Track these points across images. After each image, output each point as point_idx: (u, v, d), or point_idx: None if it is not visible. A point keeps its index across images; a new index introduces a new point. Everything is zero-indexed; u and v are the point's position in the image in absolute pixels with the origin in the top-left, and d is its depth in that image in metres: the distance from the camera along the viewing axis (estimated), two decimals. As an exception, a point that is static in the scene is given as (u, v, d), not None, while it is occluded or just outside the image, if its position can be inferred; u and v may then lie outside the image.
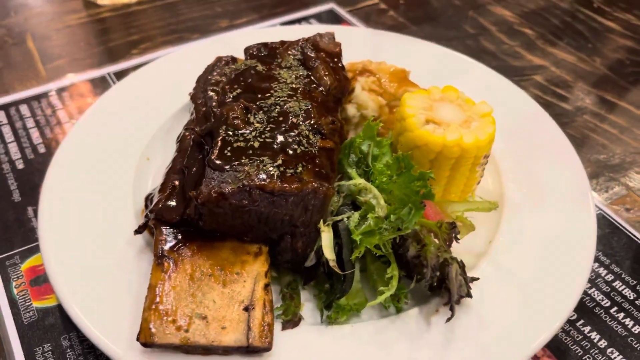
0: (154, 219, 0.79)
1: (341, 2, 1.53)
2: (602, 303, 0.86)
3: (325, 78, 0.92)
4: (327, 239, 0.77)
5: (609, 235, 0.95)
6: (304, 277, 0.83)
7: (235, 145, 0.80)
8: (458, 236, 0.78)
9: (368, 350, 0.73)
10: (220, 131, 0.82)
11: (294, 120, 0.83)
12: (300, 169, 0.77)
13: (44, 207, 0.85)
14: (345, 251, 0.77)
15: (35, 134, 1.11)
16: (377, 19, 1.48)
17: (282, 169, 0.76)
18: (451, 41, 1.40)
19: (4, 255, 0.90)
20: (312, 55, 0.96)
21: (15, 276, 0.87)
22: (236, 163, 0.77)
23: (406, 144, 0.85)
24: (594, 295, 0.87)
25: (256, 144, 0.80)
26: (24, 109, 1.16)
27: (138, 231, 0.81)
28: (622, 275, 0.90)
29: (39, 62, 1.29)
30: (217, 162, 0.78)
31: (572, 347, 0.81)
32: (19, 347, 0.78)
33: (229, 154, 0.79)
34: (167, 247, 0.77)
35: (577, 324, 0.83)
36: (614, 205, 1.01)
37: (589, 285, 0.88)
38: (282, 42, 1.00)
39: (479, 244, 0.86)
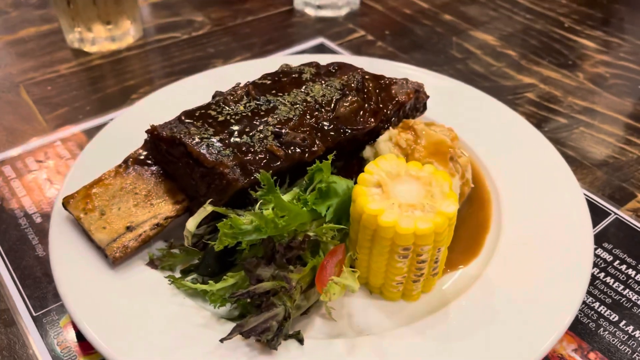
0: (148, 132, 0.90)
1: (329, 37, 1.57)
2: (639, 302, 0.90)
3: (341, 109, 0.94)
4: (200, 214, 0.82)
5: (630, 237, 1.00)
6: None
7: (209, 112, 0.92)
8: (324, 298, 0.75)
9: None
10: (215, 97, 0.95)
11: (270, 119, 0.90)
12: (228, 152, 0.84)
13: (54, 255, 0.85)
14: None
15: (47, 186, 1.08)
16: (367, 50, 1.52)
17: (216, 145, 0.85)
18: (442, 66, 1.45)
19: (39, 312, 0.86)
20: (363, 88, 0.97)
21: (55, 333, 0.83)
22: (195, 123, 0.89)
23: (352, 200, 0.82)
24: (630, 295, 0.91)
25: (221, 119, 0.90)
26: (31, 162, 1.13)
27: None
28: (651, 274, 0.94)
29: (37, 114, 1.26)
30: (184, 115, 0.91)
31: (620, 347, 0.83)
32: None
33: (198, 113, 0.91)
34: (135, 157, 0.93)
35: (620, 325, 0.86)
36: (628, 209, 1.06)
37: (623, 286, 0.92)
38: (353, 68, 1.03)
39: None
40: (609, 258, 0.96)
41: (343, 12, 1.67)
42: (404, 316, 0.83)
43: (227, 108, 0.93)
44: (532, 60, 1.49)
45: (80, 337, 0.83)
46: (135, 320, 0.77)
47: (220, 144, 0.86)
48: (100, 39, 1.47)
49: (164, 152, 0.88)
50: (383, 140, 0.96)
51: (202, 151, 0.84)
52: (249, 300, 0.76)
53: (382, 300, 0.85)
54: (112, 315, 0.77)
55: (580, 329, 0.85)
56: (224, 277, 0.80)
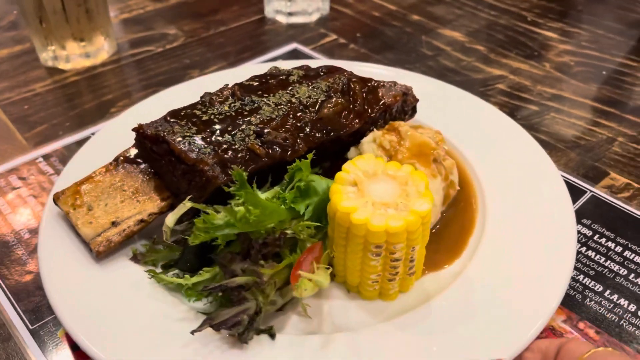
0: (135, 130, 0.93)
1: (302, 42, 1.60)
2: (620, 272, 0.94)
3: (325, 110, 0.96)
4: (179, 209, 0.83)
5: (607, 212, 1.04)
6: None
7: (194, 111, 0.95)
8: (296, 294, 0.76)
9: None
10: (201, 98, 0.98)
11: (252, 119, 0.93)
12: (209, 150, 0.87)
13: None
14: None
15: (32, 202, 1.07)
16: (341, 53, 1.56)
17: (198, 143, 0.88)
18: (414, 64, 1.49)
19: (36, 325, 0.85)
20: (349, 90, 0.99)
21: (54, 344, 0.83)
22: (180, 122, 0.92)
23: (329, 198, 0.82)
24: (611, 266, 0.94)
25: (205, 118, 0.93)
26: (14, 180, 1.13)
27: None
28: (629, 245, 0.98)
29: (16, 133, 1.26)
30: (170, 114, 0.94)
31: (607, 315, 0.87)
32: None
33: (183, 113, 0.94)
34: (125, 156, 0.96)
35: (605, 294, 0.90)
36: (602, 187, 1.10)
37: (604, 258, 0.96)
38: (342, 71, 1.06)
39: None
40: (589, 233, 1.00)
41: (314, 18, 1.71)
42: (382, 314, 0.83)
43: (212, 108, 0.95)
44: (499, 53, 1.55)
45: (76, 346, 0.82)
46: (113, 312, 0.80)
47: (202, 142, 0.88)
48: (75, 55, 1.47)
49: (150, 149, 0.91)
50: (367, 141, 0.97)
51: (183, 149, 0.86)
52: (221, 293, 0.77)
53: (360, 300, 0.85)
54: (91, 306, 0.80)
55: (568, 300, 0.89)
56: (200, 271, 0.81)
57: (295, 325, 0.81)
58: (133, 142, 0.96)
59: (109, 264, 0.87)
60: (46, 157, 1.18)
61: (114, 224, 0.88)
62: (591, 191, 1.09)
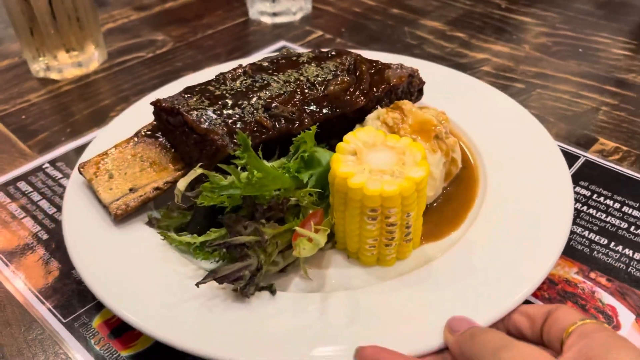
0: (153, 104, 0.99)
1: (290, 39, 1.64)
2: (622, 226, 0.99)
3: (331, 87, 1.01)
4: (190, 175, 0.88)
5: (602, 174, 1.10)
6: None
7: (208, 87, 1.00)
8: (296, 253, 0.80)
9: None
10: (215, 77, 1.04)
11: (261, 94, 0.98)
12: (220, 121, 0.92)
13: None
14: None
15: (45, 205, 1.08)
16: (329, 47, 1.59)
17: (210, 115, 0.93)
18: (401, 53, 1.54)
19: (69, 319, 0.86)
20: (356, 70, 1.03)
21: (91, 334, 0.84)
22: (194, 96, 0.97)
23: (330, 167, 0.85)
24: (612, 221, 1.00)
25: (217, 93, 0.99)
26: (23, 185, 1.13)
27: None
28: (626, 202, 1.04)
29: (18, 142, 1.26)
30: (186, 90, 1.00)
31: (615, 265, 0.92)
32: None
33: (197, 89, 1.00)
34: (146, 130, 1.03)
35: (611, 246, 0.96)
36: (594, 151, 1.17)
37: (605, 214, 1.01)
38: (348, 54, 1.10)
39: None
40: (588, 193, 1.06)
41: (298, 17, 1.75)
42: (382, 276, 0.87)
43: (225, 85, 1.01)
44: (480, 39, 1.61)
45: (117, 333, 0.84)
46: (130, 271, 0.86)
47: (213, 115, 0.94)
48: (66, 65, 1.47)
49: (166, 121, 0.97)
50: (371, 118, 1.00)
51: (195, 120, 0.92)
52: (225, 249, 0.82)
53: (360, 265, 0.89)
54: (110, 265, 0.86)
55: (577, 254, 0.94)
56: (207, 232, 0.86)
57: (297, 285, 0.86)
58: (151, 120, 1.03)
59: (127, 228, 0.93)
60: (52, 162, 1.19)
61: (131, 190, 0.95)
62: (584, 156, 1.15)
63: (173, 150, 1.01)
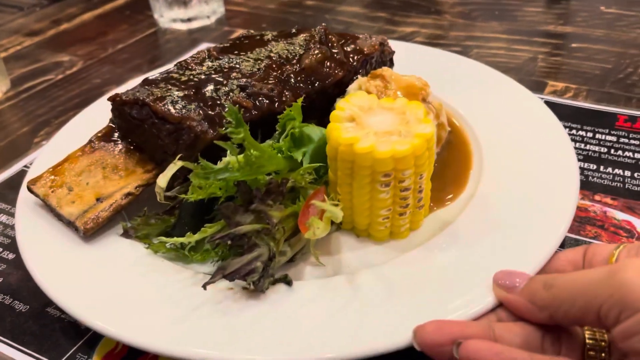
0: (110, 100, 0.87)
1: (212, 41, 1.55)
2: (602, 151, 1.02)
3: (307, 60, 0.94)
4: (170, 169, 0.78)
5: (564, 111, 1.14)
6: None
7: (171, 75, 0.90)
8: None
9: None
10: (174, 65, 0.93)
11: (234, 74, 0.89)
12: (193, 106, 0.82)
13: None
14: None
15: (-13, 247, 0.90)
16: (255, 43, 1.53)
17: (180, 101, 0.83)
18: (331, 38, 1.52)
19: (64, 358, 0.71)
20: (327, 42, 0.97)
21: (95, 372, 0.70)
22: (159, 85, 0.86)
23: (327, 139, 0.79)
24: (592, 148, 1.03)
25: (183, 79, 0.88)
26: (-49, 231, 0.94)
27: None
28: (595, 130, 1.07)
29: None
30: (146, 81, 0.89)
31: (612, 184, 0.94)
32: None
33: (160, 77, 0.89)
34: (100, 136, 0.91)
35: (601, 169, 0.97)
36: (548, 93, 1.20)
37: (584, 144, 1.04)
38: (317, 29, 1.03)
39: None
40: (560, 129, 1.08)
41: (212, 19, 1.66)
42: (400, 250, 0.79)
43: (190, 70, 0.91)
44: (403, 15, 1.63)
45: (128, 362, 0.70)
46: (119, 291, 0.73)
47: (185, 101, 0.84)
48: (-35, 98, 1.28)
49: (129, 117, 0.86)
50: (353, 89, 0.95)
51: (166, 108, 0.82)
52: (229, 242, 0.71)
53: (373, 243, 0.82)
54: (94, 290, 0.73)
55: (576, 182, 0.95)
56: (202, 228, 0.75)
57: (310, 274, 0.77)
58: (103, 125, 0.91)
59: (100, 244, 0.81)
60: (-20, 200, 1.01)
61: (99, 200, 0.83)
62: (542, 97, 1.17)
63: (138, 151, 0.89)
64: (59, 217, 0.82)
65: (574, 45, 1.39)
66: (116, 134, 0.91)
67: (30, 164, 1.09)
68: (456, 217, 0.82)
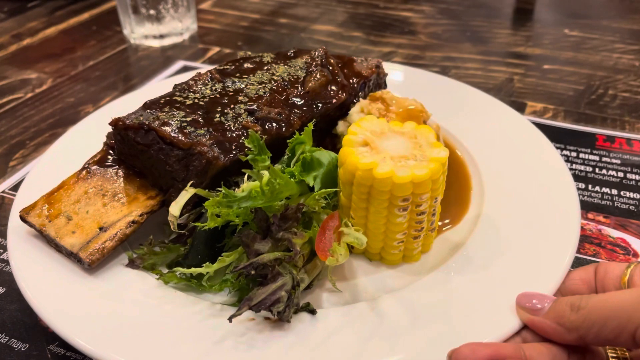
0: (112, 124, 0.83)
1: (188, 59, 1.52)
2: (587, 170, 1.06)
3: (310, 83, 0.94)
4: (182, 197, 0.75)
5: (547, 132, 1.17)
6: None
7: (174, 98, 0.87)
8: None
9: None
10: (174, 88, 0.90)
11: (240, 97, 0.88)
12: (203, 132, 0.80)
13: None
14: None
15: (-29, 281, 0.84)
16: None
17: (188, 126, 0.81)
18: (310, 57, 1.52)
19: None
20: (327, 64, 0.96)
21: (113, 412, 0.66)
22: (163, 109, 0.84)
23: (340, 164, 0.79)
24: (579, 167, 1.07)
25: (188, 102, 0.86)
26: None
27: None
28: (578, 149, 1.12)
29: None
30: (148, 104, 0.85)
31: (602, 203, 0.98)
32: None
33: (162, 101, 0.86)
34: (95, 161, 0.87)
35: (589, 188, 1.01)
36: (529, 114, 1.24)
37: (569, 163, 1.08)
38: (312, 50, 1.02)
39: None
40: (545, 149, 1.12)
41: (186, 36, 1.63)
42: (415, 273, 0.80)
43: (193, 93, 0.89)
44: (378, 35, 1.65)
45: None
46: (134, 326, 0.69)
47: (193, 126, 0.81)
48: None
49: (132, 143, 0.82)
50: (355, 112, 0.96)
51: (174, 134, 0.79)
52: (253, 272, 0.69)
53: (386, 267, 0.82)
54: (107, 325, 0.69)
55: (568, 201, 0.98)
56: (219, 258, 0.73)
57: (328, 301, 0.76)
58: (95, 150, 0.88)
59: (104, 276, 0.77)
60: (-43, 229, 0.94)
61: (102, 229, 0.79)
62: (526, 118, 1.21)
63: (138, 177, 0.85)
64: (58, 248, 0.77)
65: (546, 66, 1.45)
66: (111, 159, 0.87)
67: (10, 190, 1.03)
68: (465, 239, 0.84)
